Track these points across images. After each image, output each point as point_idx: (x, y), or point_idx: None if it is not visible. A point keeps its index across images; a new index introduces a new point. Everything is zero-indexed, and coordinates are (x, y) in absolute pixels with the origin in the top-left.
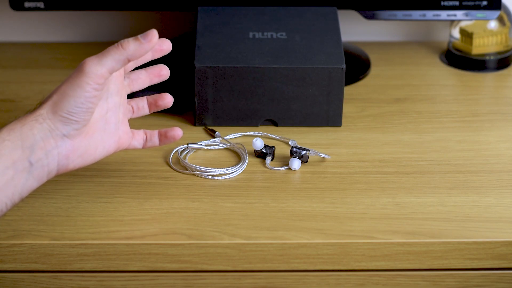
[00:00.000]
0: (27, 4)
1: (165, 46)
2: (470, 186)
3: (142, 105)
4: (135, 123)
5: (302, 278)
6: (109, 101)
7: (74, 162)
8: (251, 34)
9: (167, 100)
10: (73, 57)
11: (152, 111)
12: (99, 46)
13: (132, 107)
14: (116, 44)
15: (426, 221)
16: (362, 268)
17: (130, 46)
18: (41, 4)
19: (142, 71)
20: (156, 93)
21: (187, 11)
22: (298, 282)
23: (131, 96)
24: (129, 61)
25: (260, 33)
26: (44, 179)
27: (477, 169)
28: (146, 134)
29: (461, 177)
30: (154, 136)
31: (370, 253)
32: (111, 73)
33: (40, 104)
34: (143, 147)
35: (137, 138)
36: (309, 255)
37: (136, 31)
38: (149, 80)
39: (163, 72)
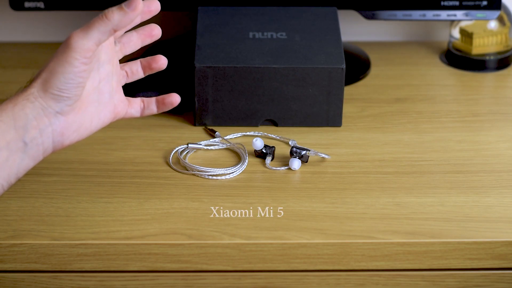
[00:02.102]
0: (27, 4)
1: (153, 7)
2: (470, 186)
3: (136, 69)
4: (135, 123)
5: (302, 278)
6: (101, 71)
7: (70, 138)
8: (251, 34)
9: (161, 61)
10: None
11: (147, 74)
12: None
13: (126, 72)
14: (100, 15)
15: (426, 221)
16: (362, 268)
17: (115, 16)
18: (41, 4)
19: (133, 33)
20: (157, 94)
21: (187, 11)
22: (298, 282)
23: (131, 91)
24: (115, 31)
25: (260, 33)
26: (40, 158)
27: (477, 169)
28: (143, 102)
29: (461, 177)
30: (151, 104)
31: (370, 253)
32: (98, 45)
33: (30, 82)
34: (141, 115)
35: (134, 106)
36: (309, 255)
37: None
38: (140, 41)
39: (154, 32)
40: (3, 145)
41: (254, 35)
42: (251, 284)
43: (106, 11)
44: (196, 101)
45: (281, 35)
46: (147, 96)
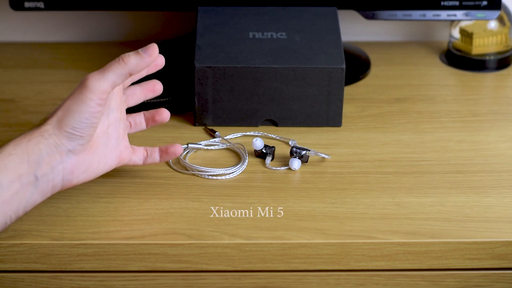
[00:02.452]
0: (27, 4)
1: (160, 61)
2: (470, 186)
3: (139, 120)
4: None
5: (302, 278)
6: (110, 116)
7: (79, 177)
8: (251, 34)
9: (164, 115)
10: (73, 57)
11: (150, 126)
12: (99, 46)
13: (130, 123)
14: (117, 59)
15: (426, 221)
16: (362, 268)
17: (132, 60)
18: (41, 4)
19: (137, 86)
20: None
21: (187, 11)
22: (298, 282)
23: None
24: (130, 75)
25: (260, 33)
26: (49, 194)
27: (477, 169)
28: (146, 150)
29: (461, 177)
30: (154, 153)
31: (370, 253)
32: (113, 87)
33: (45, 120)
34: (144, 164)
35: (138, 154)
36: (309, 255)
37: (136, 31)
38: (143, 95)
39: (156, 88)
40: (16, 177)
41: (254, 35)
42: (251, 284)
43: (123, 55)
44: (196, 101)
45: (281, 35)
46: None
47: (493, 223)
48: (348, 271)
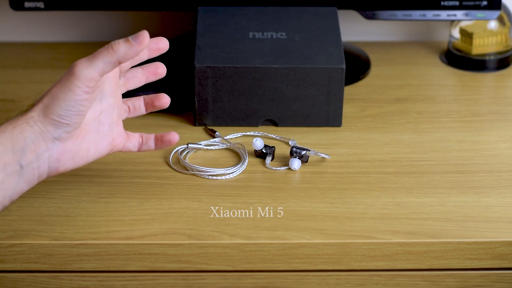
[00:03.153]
0: (27, 4)
1: (162, 45)
2: (470, 186)
3: (139, 105)
4: (134, 123)
5: (302, 278)
6: (103, 102)
7: (66, 165)
8: (251, 34)
9: (164, 100)
10: (73, 57)
11: (149, 111)
12: (99, 46)
13: (129, 107)
14: (106, 46)
15: (426, 221)
16: (362, 268)
17: (121, 48)
18: (41, 4)
19: (138, 69)
20: (154, 93)
21: (187, 11)
22: (298, 282)
23: (130, 94)
24: (119, 63)
25: (260, 33)
26: (35, 182)
27: (477, 169)
28: (142, 137)
29: (461, 177)
30: (150, 140)
31: (370, 253)
32: (101, 75)
33: (31, 106)
34: (138, 150)
35: (132, 141)
36: (309, 255)
37: (136, 31)
38: (145, 78)
39: (159, 70)
40: (0, 167)
41: (254, 35)
42: (251, 284)
43: (112, 42)
44: (196, 101)
45: (281, 35)
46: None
47: (493, 223)
48: (348, 271)
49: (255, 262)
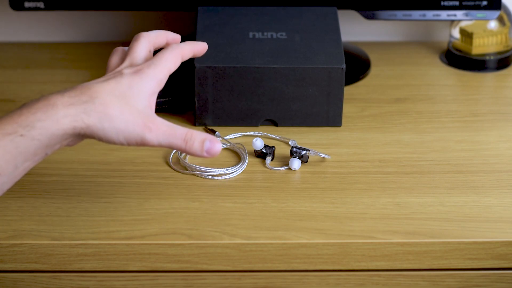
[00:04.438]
0: (27, 4)
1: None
2: (470, 186)
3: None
4: None
5: (302, 278)
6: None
7: None
8: (251, 34)
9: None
10: (73, 57)
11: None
12: (99, 46)
13: None
14: (185, 138)
15: (426, 221)
16: (362, 268)
17: (192, 151)
18: (41, 4)
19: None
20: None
21: (187, 11)
22: (298, 282)
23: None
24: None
25: (260, 33)
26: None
27: (477, 169)
28: None
29: (461, 177)
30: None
31: (370, 253)
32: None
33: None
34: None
35: None
36: (309, 255)
37: (136, 31)
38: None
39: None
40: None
41: (254, 35)
42: (251, 284)
43: (192, 141)
44: (196, 101)
45: (281, 35)
46: None
47: (493, 223)
48: (348, 271)
49: (255, 262)
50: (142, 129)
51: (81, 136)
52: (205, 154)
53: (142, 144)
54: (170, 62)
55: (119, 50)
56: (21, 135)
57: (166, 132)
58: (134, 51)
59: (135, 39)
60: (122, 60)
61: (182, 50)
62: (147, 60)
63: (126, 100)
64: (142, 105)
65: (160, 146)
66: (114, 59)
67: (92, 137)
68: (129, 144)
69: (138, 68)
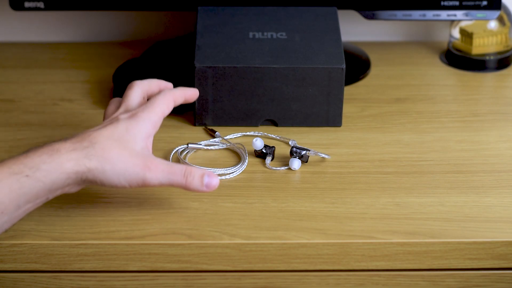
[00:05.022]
0: (27, 4)
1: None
2: (470, 186)
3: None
4: None
5: (302, 278)
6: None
7: None
8: (251, 34)
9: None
10: (73, 57)
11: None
12: (99, 46)
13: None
14: (184, 176)
15: (426, 221)
16: (362, 268)
17: (192, 187)
18: (41, 4)
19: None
20: None
21: (187, 11)
22: (298, 282)
23: None
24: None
25: (260, 33)
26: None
27: (477, 169)
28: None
29: (461, 177)
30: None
31: (370, 253)
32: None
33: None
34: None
35: None
36: (309, 255)
37: (136, 31)
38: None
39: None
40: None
41: (254, 35)
42: (251, 284)
43: (192, 177)
44: (196, 101)
45: (281, 35)
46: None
47: (493, 223)
48: (348, 271)
49: (255, 262)
50: (142, 169)
51: (83, 181)
52: (204, 188)
53: (143, 184)
54: (163, 105)
55: (115, 100)
56: (27, 176)
57: (165, 170)
58: (128, 99)
59: (129, 87)
60: (118, 108)
61: (174, 95)
62: (141, 105)
63: (124, 143)
64: (140, 146)
65: (161, 185)
66: (111, 108)
67: (94, 182)
68: (131, 186)
69: (133, 112)
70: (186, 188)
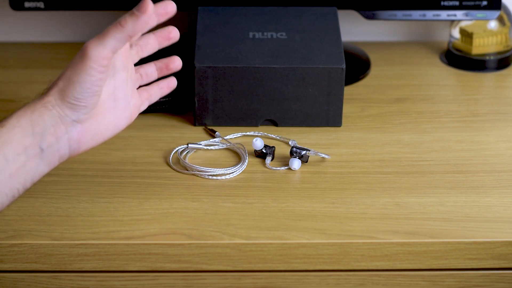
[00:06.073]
0: (27, 4)
1: (170, 9)
2: (470, 186)
3: (151, 71)
4: (135, 123)
5: (302, 278)
6: (116, 77)
7: (86, 145)
8: (251, 34)
9: (178, 62)
10: (73, 57)
11: (162, 75)
12: None
13: (141, 75)
14: (114, 23)
15: (426, 221)
16: (362, 268)
17: (128, 22)
18: (41, 4)
19: (150, 35)
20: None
21: (187, 11)
22: (298, 282)
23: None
24: (130, 37)
25: (260, 33)
26: (56, 164)
27: (477, 169)
28: (148, 91)
29: (461, 177)
30: (152, 90)
31: (370, 253)
32: (114, 53)
33: (47, 90)
34: (150, 104)
35: (144, 102)
36: (309, 255)
37: None
38: (158, 43)
39: (172, 34)
40: (21, 150)
41: (254, 35)
42: (251, 284)
43: (119, 18)
44: (196, 101)
45: (281, 35)
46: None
47: (493, 223)
48: (348, 271)
49: (255, 262)
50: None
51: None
52: (138, 13)
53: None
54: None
55: None
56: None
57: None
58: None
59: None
60: None
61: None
62: None
63: None
64: None
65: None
66: None
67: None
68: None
69: None
70: (124, 28)
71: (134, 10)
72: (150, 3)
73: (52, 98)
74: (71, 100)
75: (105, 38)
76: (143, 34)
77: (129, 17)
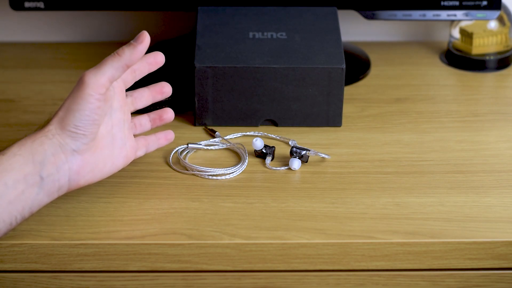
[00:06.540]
0: (27, 4)
1: (159, 59)
2: (470, 186)
3: (144, 122)
4: None
5: (302, 278)
6: (113, 116)
7: (85, 178)
8: (251, 34)
9: (170, 114)
10: (73, 57)
11: (155, 126)
12: (99, 46)
13: (135, 124)
14: (111, 54)
15: (426, 221)
16: (362, 268)
17: (125, 51)
18: (41, 4)
19: (145, 89)
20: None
21: (187, 11)
22: (298, 282)
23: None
24: (127, 67)
25: (260, 33)
26: (55, 195)
27: (477, 169)
28: (146, 140)
29: (461, 177)
30: (151, 143)
31: (370, 253)
32: (111, 82)
33: (48, 121)
34: (146, 152)
35: (141, 148)
36: (309, 255)
37: (136, 31)
38: (152, 97)
39: (165, 90)
40: (20, 178)
41: (254, 35)
42: (251, 284)
43: (118, 50)
44: (196, 101)
45: (281, 35)
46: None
47: (493, 223)
48: (348, 271)
49: (255, 262)
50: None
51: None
52: (135, 43)
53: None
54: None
55: None
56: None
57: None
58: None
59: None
60: None
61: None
62: None
63: None
64: None
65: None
66: None
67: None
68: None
69: None
70: (121, 57)
71: (132, 41)
72: (147, 35)
73: (52, 127)
74: (71, 128)
75: (103, 67)
76: (138, 88)
77: (127, 48)
